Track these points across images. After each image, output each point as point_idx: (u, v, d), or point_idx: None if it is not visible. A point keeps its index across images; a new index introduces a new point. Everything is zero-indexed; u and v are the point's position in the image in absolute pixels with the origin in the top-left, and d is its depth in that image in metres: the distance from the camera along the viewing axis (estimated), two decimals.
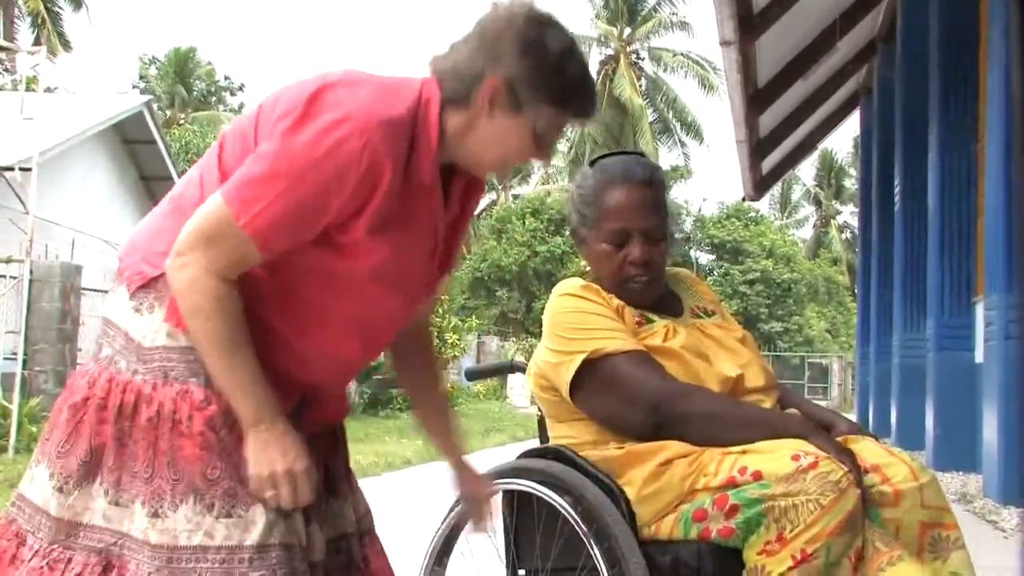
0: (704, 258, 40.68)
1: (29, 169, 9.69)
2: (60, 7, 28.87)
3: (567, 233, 2.73)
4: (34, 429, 9.13)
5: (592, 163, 2.39)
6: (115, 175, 20.54)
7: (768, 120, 12.98)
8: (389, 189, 1.66)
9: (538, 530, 2.20)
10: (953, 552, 2.02)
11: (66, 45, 28.83)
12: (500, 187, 44.06)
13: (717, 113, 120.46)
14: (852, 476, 1.93)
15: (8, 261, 10.01)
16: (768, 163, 15.22)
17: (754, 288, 38.33)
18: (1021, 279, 6.60)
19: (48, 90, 15.88)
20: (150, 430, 1.66)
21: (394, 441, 11.51)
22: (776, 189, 44.47)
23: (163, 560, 1.64)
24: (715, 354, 2.28)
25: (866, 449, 2.06)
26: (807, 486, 1.91)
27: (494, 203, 42.76)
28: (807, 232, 49.55)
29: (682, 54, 37.76)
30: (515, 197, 42.55)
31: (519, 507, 2.30)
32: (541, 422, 2.45)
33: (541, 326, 2.39)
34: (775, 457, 1.97)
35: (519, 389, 23.59)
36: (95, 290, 13.36)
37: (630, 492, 2.09)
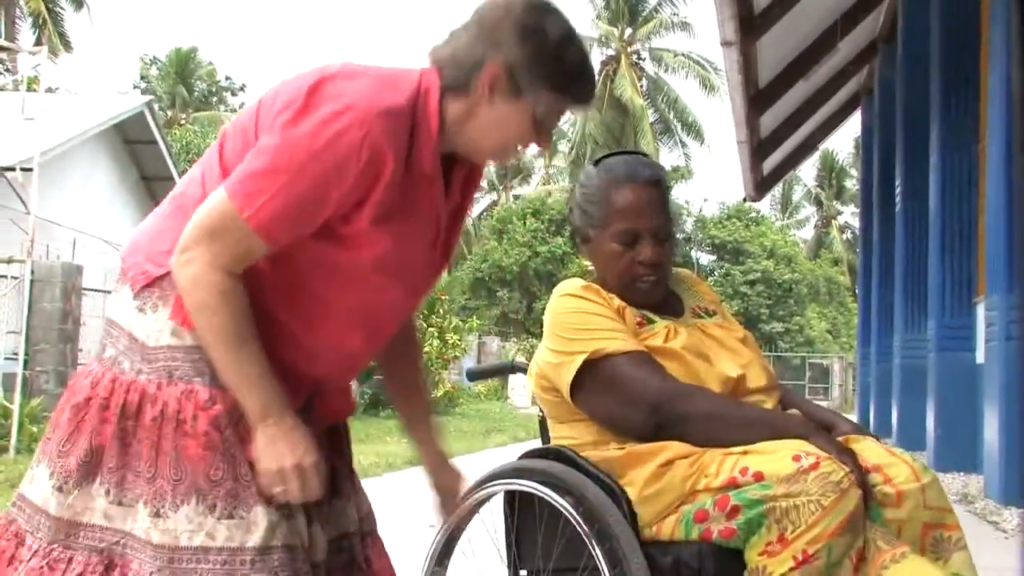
0: (705, 258, 40.71)
1: (30, 169, 9.69)
2: (61, 7, 28.87)
3: (567, 233, 2.75)
4: (35, 429, 9.13)
5: (596, 163, 2.38)
6: (116, 175, 20.56)
7: (769, 120, 12.99)
8: (391, 180, 1.66)
9: (539, 531, 2.20)
10: (955, 553, 2.02)
11: (67, 45, 28.81)
12: (501, 188, 44.09)
13: (718, 114, 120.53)
14: (853, 476, 1.93)
15: (9, 261, 10.01)
16: (769, 164, 15.22)
17: (755, 288, 38.33)
18: (1022, 280, 6.60)
19: (49, 90, 15.89)
20: (154, 430, 1.66)
21: (395, 441, 11.51)
22: (777, 190, 44.53)
23: (164, 560, 1.63)
24: (716, 354, 2.28)
25: (867, 449, 2.06)
26: (808, 487, 1.90)
27: (495, 203, 42.79)
28: (808, 233, 49.60)
29: (683, 55, 37.79)
30: (516, 197, 42.57)
31: (520, 508, 2.30)
32: (542, 423, 2.45)
33: (542, 326, 2.39)
34: (776, 458, 1.97)
35: (520, 389, 23.60)
36: (96, 290, 13.37)
37: (631, 493, 2.08)
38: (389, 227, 1.70)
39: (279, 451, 1.67)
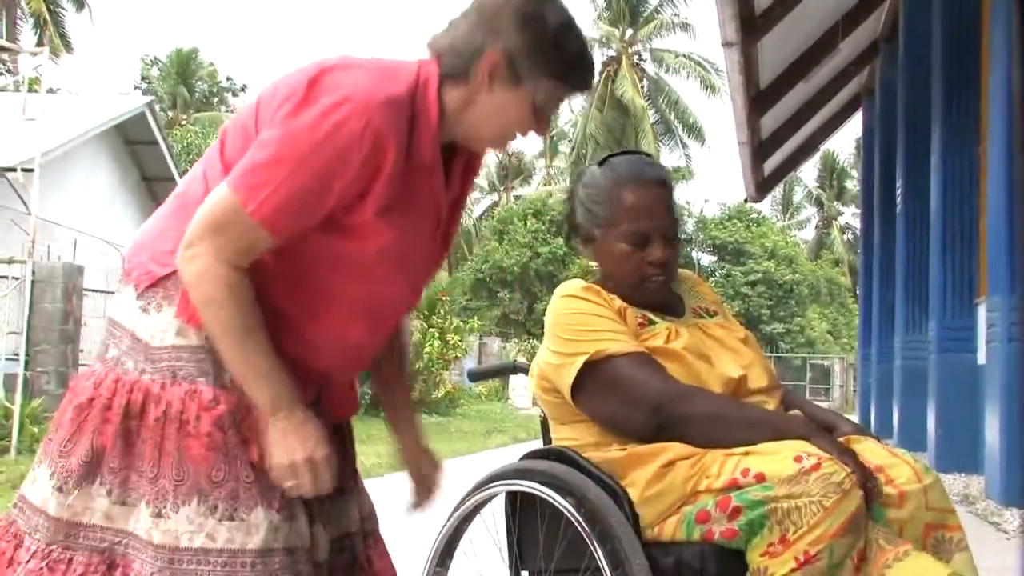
0: (706, 259, 40.69)
1: (31, 170, 9.70)
2: (62, 8, 28.90)
3: (564, 233, 2.67)
4: (36, 430, 9.13)
5: (600, 163, 2.37)
6: (117, 176, 20.57)
7: (770, 121, 12.99)
8: (393, 169, 1.67)
9: (541, 531, 2.20)
10: (956, 554, 2.02)
11: (68, 46, 28.85)
12: (502, 188, 44.10)
13: (719, 114, 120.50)
14: (855, 477, 1.93)
15: (10, 262, 10.02)
16: (770, 164, 15.23)
17: (756, 289, 38.33)
18: (1023, 281, 6.60)
19: (50, 91, 15.89)
20: (157, 430, 1.66)
21: None
22: (778, 190, 44.52)
23: (165, 561, 1.63)
24: (717, 355, 2.27)
25: (869, 450, 2.06)
26: (810, 488, 1.90)
27: (496, 204, 42.81)
28: (809, 233, 49.59)
29: (684, 55, 37.78)
30: (517, 198, 42.59)
31: (522, 508, 2.30)
32: (544, 423, 2.45)
33: (543, 327, 2.39)
34: (778, 459, 1.97)
35: (521, 390, 23.61)
36: (97, 291, 13.38)
37: (633, 494, 2.08)
38: (392, 218, 1.70)
39: (290, 445, 1.67)
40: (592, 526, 2.05)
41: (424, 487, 2.06)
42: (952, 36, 9.15)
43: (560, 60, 1.74)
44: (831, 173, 48.22)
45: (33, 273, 10.21)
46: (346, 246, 1.71)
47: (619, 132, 35.80)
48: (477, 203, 44.66)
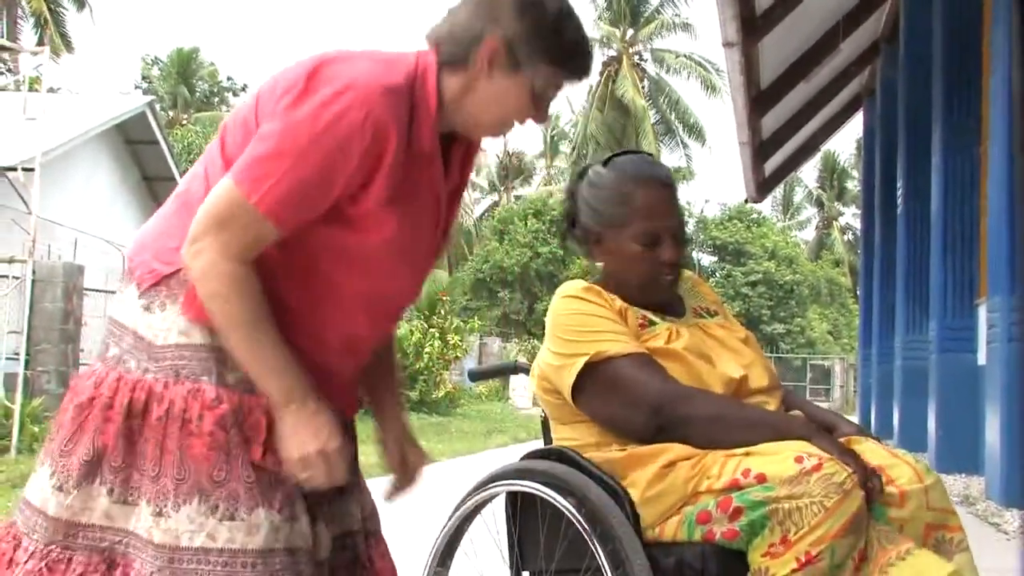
0: (706, 260, 40.69)
1: (32, 169, 9.69)
2: (63, 7, 28.91)
3: (562, 232, 2.67)
4: (36, 429, 9.13)
5: (605, 163, 2.36)
6: (118, 175, 20.57)
7: (771, 122, 13.00)
8: (395, 158, 1.67)
9: (542, 532, 2.20)
10: (957, 554, 2.02)
11: (69, 46, 28.87)
12: (502, 188, 44.10)
13: (720, 115, 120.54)
14: (856, 477, 1.93)
15: (11, 261, 10.01)
16: (771, 165, 15.23)
17: (756, 290, 38.33)
18: (1023, 281, 6.60)
19: (51, 90, 15.91)
20: (159, 428, 1.66)
21: None
22: (778, 191, 44.51)
23: (165, 560, 1.63)
24: (718, 355, 2.27)
25: (869, 451, 2.06)
26: (811, 488, 1.90)
27: (496, 204, 42.81)
28: (809, 234, 49.59)
29: (685, 55, 37.78)
30: (517, 198, 42.59)
31: (523, 509, 2.30)
32: (545, 424, 2.45)
33: (543, 327, 2.38)
34: (779, 459, 1.97)
35: (521, 390, 23.62)
36: (97, 290, 13.38)
37: (634, 494, 2.08)
38: (394, 208, 1.70)
39: (303, 437, 1.67)
40: (593, 526, 2.05)
41: (407, 476, 2.01)
42: (953, 36, 9.15)
43: (559, 46, 1.75)
44: (832, 173, 48.22)
45: (34, 272, 10.21)
46: (349, 238, 1.71)
47: (620, 132, 35.79)
48: (477, 203, 44.68)
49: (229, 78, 46.14)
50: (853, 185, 45.72)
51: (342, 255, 1.72)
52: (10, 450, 8.60)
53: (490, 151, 45.16)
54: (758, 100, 11.56)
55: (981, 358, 8.06)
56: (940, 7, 9.36)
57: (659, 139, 37.22)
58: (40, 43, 20.17)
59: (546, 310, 2.39)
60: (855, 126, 18.31)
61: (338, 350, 1.80)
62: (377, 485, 1.97)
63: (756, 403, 2.22)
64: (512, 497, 2.32)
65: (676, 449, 2.09)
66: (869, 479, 1.95)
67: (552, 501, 2.13)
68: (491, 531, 2.40)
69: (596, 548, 2.04)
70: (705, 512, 2.00)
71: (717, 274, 39.13)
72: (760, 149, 13.60)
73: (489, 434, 14.39)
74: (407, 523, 3.51)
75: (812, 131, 15.50)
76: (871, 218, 15.55)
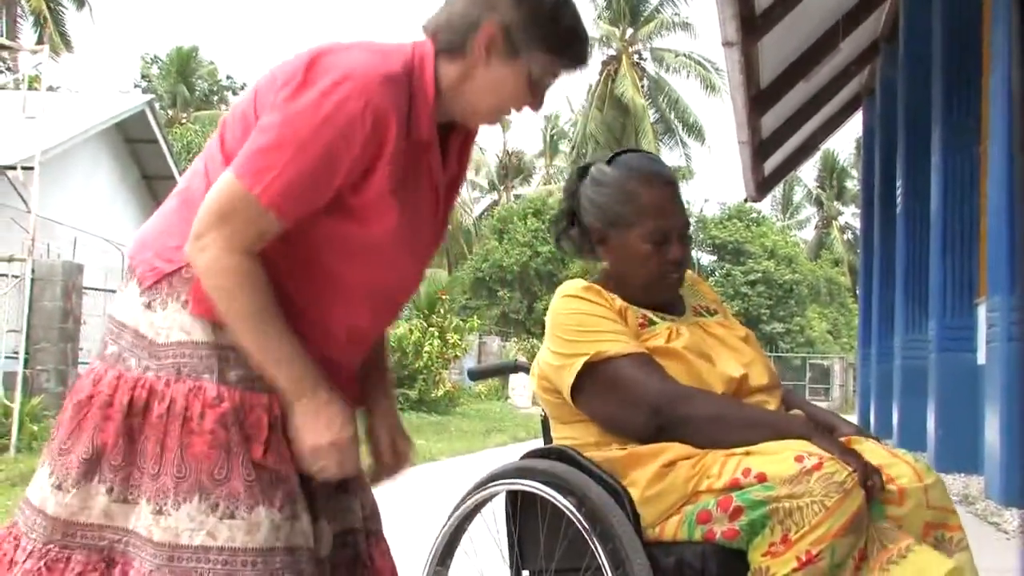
0: (706, 259, 40.67)
1: (31, 168, 9.69)
2: (63, 6, 28.90)
3: (559, 232, 2.62)
4: (35, 428, 9.13)
5: (609, 161, 2.35)
6: (117, 174, 20.55)
7: (770, 121, 12.99)
8: (395, 146, 1.67)
9: (542, 531, 2.20)
10: (956, 553, 2.02)
11: (68, 44, 28.85)
12: (502, 188, 44.10)
13: (719, 114, 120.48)
14: (857, 476, 1.93)
15: (10, 260, 10.01)
16: (770, 164, 15.22)
17: (756, 289, 38.31)
18: (1023, 281, 6.60)
19: (50, 89, 15.89)
20: (160, 426, 1.66)
21: None
22: (778, 190, 44.50)
23: (164, 559, 1.63)
24: (718, 354, 2.27)
25: (869, 451, 2.06)
26: (811, 487, 1.90)
27: (496, 203, 42.81)
28: (809, 233, 49.57)
29: (684, 55, 37.77)
30: (517, 197, 42.59)
31: (523, 508, 2.29)
32: (545, 423, 2.44)
33: (542, 326, 2.38)
34: (779, 459, 1.97)
35: (520, 389, 23.61)
36: (97, 289, 13.38)
37: (634, 493, 2.08)
38: (396, 198, 1.71)
39: (316, 427, 1.67)
40: (593, 525, 2.05)
41: (397, 463, 1.99)
42: (952, 35, 9.14)
43: (556, 34, 1.76)
44: (831, 173, 48.20)
45: (33, 271, 10.21)
46: (352, 229, 1.71)
47: (619, 131, 35.79)
48: (477, 202, 44.69)
49: (228, 77, 46.09)
50: (852, 184, 45.71)
51: (344, 246, 1.72)
52: (9, 449, 8.60)
53: (490, 151, 45.20)
54: (758, 99, 11.55)
55: (981, 357, 8.06)
56: (940, 6, 9.35)
57: (658, 138, 37.21)
58: (39, 42, 20.16)
59: (545, 309, 2.38)
60: (855, 125, 18.32)
61: (343, 342, 1.80)
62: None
63: (756, 402, 2.22)
64: (512, 496, 2.32)
65: (676, 448, 2.09)
66: (869, 477, 1.95)
67: (552, 500, 2.13)
68: (491, 530, 2.40)
69: (596, 547, 2.03)
70: (705, 511, 1.99)
71: (716, 273, 39.11)
72: (759, 148, 13.60)
73: (488, 433, 14.39)
74: (407, 522, 3.51)
75: (812, 130, 15.50)
76: (870, 217, 15.55)
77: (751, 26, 9.27)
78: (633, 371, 2.16)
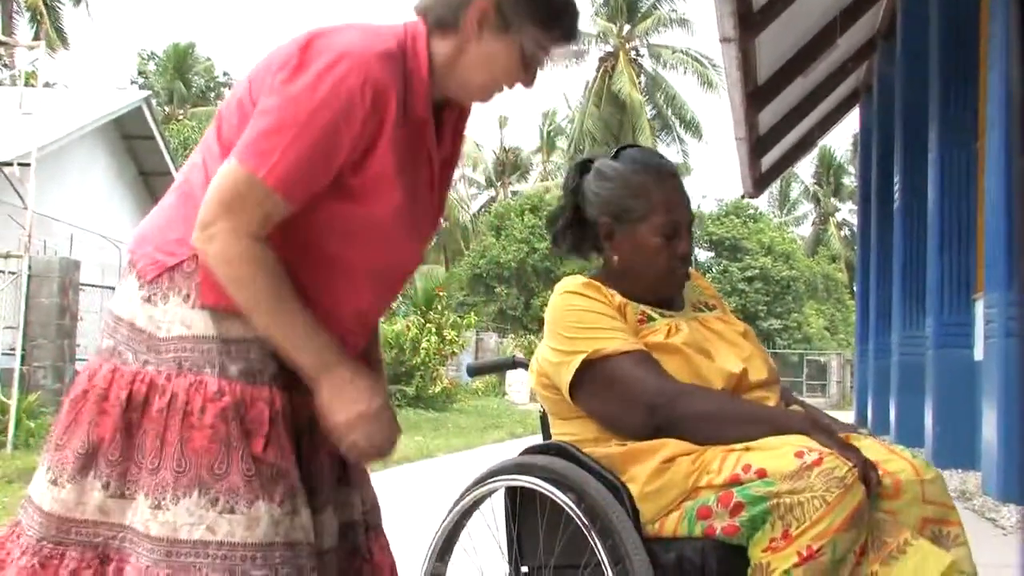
0: (703, 255, 40.68)
1: (28, 164, 9.68)
2: (59, 2, 28.88)
3: (557, 230, 2.58)
4: (32, 425, 9.13)
5: (613, 156, 2.35)
6: (114, 171, 20.53)
7: (768, 117, 12.99)
8: (395, 121, 1.68)
9: (541, 527, 2.19)
10: (954, 549, 2.02)
11: (65, 40, 28.83)
12: (499, 184, 44.09)
13: (716, 110, 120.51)
14: (857, 471, 1.93)
15: (7, 256, 10.01)
16: (767, 160, 15.23)
17: (753, 285, 38.33)
18: (1021, 277, 6.60)
19: (47, 85, 15.87)
20: (160, 421, 1.65)
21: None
22: (775, 186, 44.43)
23: (162, 553, 1.62)
24: (717, 349, 2.26)
25: (867, 448, 2.06)
26: (812, 483, 1.90)
27: (493, 200, 42.80)
28: (806, 229, 49.59)
29: (681, 51, 37.76)
30: (514, 194, 42.59)
31: (522, 504, 2.29)
32: (544, 419, 2.44)
33: (540, 322, 2.38)
34: (779, 454, 1.96)
35: (518, 386, 23.63)
36: (94, 285, 13.37)
37: (633, 489, 2.08)
38: (396, 178, 1.71)
39: (342, 403, 1.68)
40: (592, 522, 2.04)
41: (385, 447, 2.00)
42: (950, 31, 9.14)
43: (547, 7, 1.77)
44: (828, 169, 48.21)
45: (29, 268, 10.20)
46: (352, 209, 1.72)
47: (616, 128, 35.78)
48: (474, 198, 44.69)
49: (225, 73, 45.97)
50: (850, 181, 45.73)
51: (345, 227, 1.73)
52: (6, 445, 8.60)
53: (487, 147, 45.18)
54: (755, 95, 11.55)
55: (978, 353, 8.07)
56: (937, 2, 9.35)
57: (656, 134, 37.20)
58: (36, 38, 20.14)
59: (543, 305, 2.38)
60: (852, 122, 18.34)
61: (351, 325, 1.81)
62: (376, 480, 1.97)
63: (756, 397, 2.21)
64: (511, 492, 2.31)
65: (676, 444, 2.09)
66: (868, 473, 1.95)
67: (551, 496, 2.12)
68: (490, 526, 2.40)
69: (595, 543, 2.03)
70: (705, 507, 1.99)
71: (714, 269, 39.12)
72: (757, 145, 13.61)
73: (486, 429, 14.39)
74: (406, 518, 3.51)
75: (809, 127, 15.49)
76: (868, 214, 15.55)
77: (748, 22, 9.27)
78: (631, 369, 2.15)
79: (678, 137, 38.47)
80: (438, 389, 18.01)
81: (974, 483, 7.30)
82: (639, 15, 38.03)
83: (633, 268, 2.30)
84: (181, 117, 39.27)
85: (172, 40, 64.31)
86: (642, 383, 2.13)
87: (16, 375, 8.95)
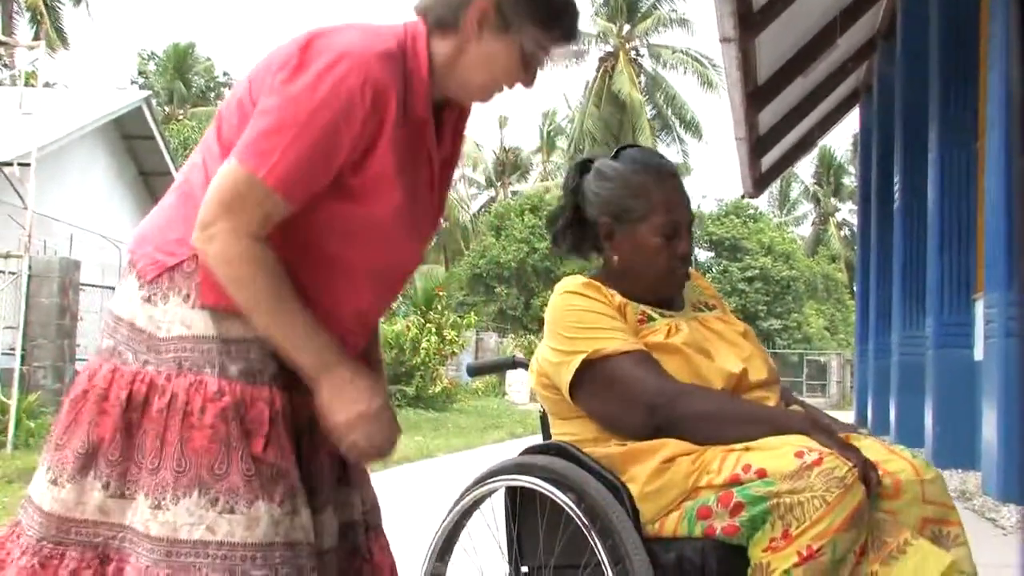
0: (703, 255, 40.68)
1: (28, 164, 9.68)
2: (59, 2, 28.87)
3: (557, 230, 2.58)
4: (32, 425, 9.13)
5: (614, 156, 2.35)
6: (114, 171, 20.53)
7: (768, 117, 12.99)
8: (395, 122, 1.68)
9: (541, 527, 2.19)
10: (954, 549, 2.02)
11: (65, 40, 28.83)
12: (499, 184, 44.09)
13: (716, 110, 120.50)
14: (857, 471, 1.93)
15: (7, 256, 10.01)
16: (767, 160, 15.23)
17: (753, 285, 38.33)
18: (1021, 276, 6.60)
19: (47, 85, 15.88)
20: (160, 421, 1.65)
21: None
22: (775, 186, 44.44)
23: (162, 553, 1.62)
24: (717, 349, 2.26)
25: (867, 448, 2.06)
26: (812, 483, 1.90)
27: (493, 200, 42.80)
28: (806, 229, 49.59)
29: (682, 51, 37.75)
30: (514, 194, 42.59)
31: (522, 504, 2.29)
32: (544, 419, 2.44)
33: (539, 322, 2.39)
34: (779, 454, 1.96)
35: (518, 386, 23.63)
36: (94, 285, 13.37)
37: (633, 489, 2.08)
38: (397, 178, 1.71)
39: (342, 403, 1.68)
40: (592, 522, 2.04)
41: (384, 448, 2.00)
42: (950, 31, 9.14)
43: (547, 7, 1.77)
44: (828, 169, 48.20)
45: (29, 268, 10.20)
46: (352, 209, 1.72)
47: (616, 128, 35.78)
48: (474, 199, 44.70)
49: (225, 73, 45.97)
50: (850, 181, 45.73)
51: (345, 227, 1.73)
52: (6, 445, 8.60)
53: (487, 147, 45.19)
54: (755, 95, 11.55)
55: (978, 354, 8.07)
56: (937, 2, 9.35)
57: (656, 134, 37.20)
58: (36, 38, 20.14)
59: (542, 305, 2.39)
60: (852, 122, 18.33)
61: (351, 325, 1.81)
62: (376, 480, 1.97)
63: (756, 397, 2.21)
64: (511, 492, 2.31)
65: (676, 444, 2.09)
66: (867, 473, 1.95)
67: (551, 496, 2.12)
68: (490, 526, 2.40)
69: (595, 543, 2.03)
70: (705, 507, 1.99)
71: (714, 269, 39.12)
72: (757, 145, 13.61)
73: (486, 429, 14.39)
74: (406, 518, 3.51)
75: (809, 127, 15.49)
76: (867, 214, 15.55)
77: (748, 22, 9.27)
78: (631, 369, 2.15)
79: (678, 137, 38.47)
80: (438, 389, 18.01)
81: (974, 483, 7.30)
82: (639, 15, 38.02)
83: (633, 268, 2.29)
84: (181, 117, 39.28)
85: (172, 40, 64.37)
86: (642, 383, 2.13)
87: (16, 375, 8.95)
